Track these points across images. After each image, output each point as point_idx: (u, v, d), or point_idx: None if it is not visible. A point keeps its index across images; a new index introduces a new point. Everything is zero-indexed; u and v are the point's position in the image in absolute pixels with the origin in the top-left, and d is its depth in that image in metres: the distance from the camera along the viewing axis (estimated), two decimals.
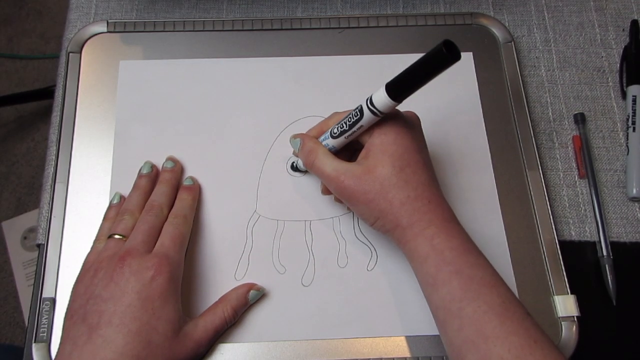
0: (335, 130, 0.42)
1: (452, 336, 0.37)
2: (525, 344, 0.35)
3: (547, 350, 0.35)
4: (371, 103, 0.39)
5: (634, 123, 0.53)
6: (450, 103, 0.46)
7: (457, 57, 0.34)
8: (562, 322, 0.45)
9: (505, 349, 0.35)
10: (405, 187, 0.40)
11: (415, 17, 0.56)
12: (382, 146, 0.40)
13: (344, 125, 0.41)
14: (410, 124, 0.42)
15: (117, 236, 0.43)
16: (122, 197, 0.48)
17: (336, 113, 0.45)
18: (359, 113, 0.40)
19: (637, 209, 0.51)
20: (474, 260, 0.38)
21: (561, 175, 0.52)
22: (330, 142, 0.43)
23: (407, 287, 0.46)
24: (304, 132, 0.51)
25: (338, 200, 0.47)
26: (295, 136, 0.46)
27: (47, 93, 1.27)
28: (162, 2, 0.58)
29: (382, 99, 0.38)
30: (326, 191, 0.47)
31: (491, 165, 0.50)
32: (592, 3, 0.60)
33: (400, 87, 0.38)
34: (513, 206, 0.49)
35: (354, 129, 0.41)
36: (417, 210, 0.39)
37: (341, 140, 0.42)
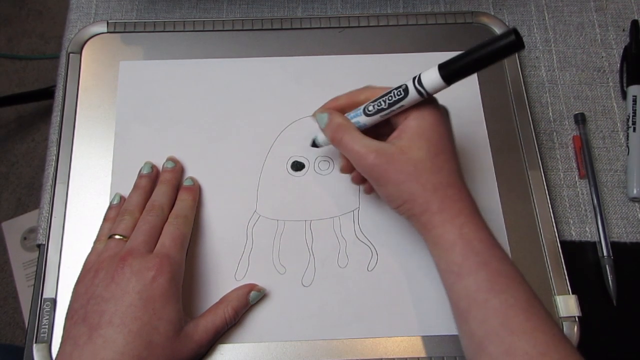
0: (371, 108, 0.41)
1: (475, 327, 0.37)
2: (549, 341, 0.35)
3: (570, 350, 0.35)
4: (419, 83, 0.38)
5: (634, 123, 0.53)
6: (451, 103, 0.46)
7: (523, 46, 0.35)
8: (563, 322, 0.45)
9: (531, 345, 0.35)
10: (439, 173, 0.39)
11: (415, 16, 0.56)
12: (419, 129, 0.40)
13: (383, 103, 0.40)
14: (445, 114, 0.42)
15: (117, 236, 0.43)
16: (122, 198, 0.48)
17: (369, 87, 0.43)
18: (402, 92, 0.39)
19: (638, 209, 0.51)
20: (501, 254, 0.38)
21: (561, 176, 0.52)
22: (362, 120, 0.42)
23: (407, 287, 0.46)
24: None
25: (358, 180, 0.46)
26: (322, 110, 0.44)
27: (47, 93, 1.27)
28: (162, 2, 0.58)
29: (433, 80, 0.38)
30: (346, 169, 0.45)
31: (492, 165, 0.50)
32: (592, 3, 0.60)
33: (455, 70, 0.37)
34: (514, 206, 0.49)
35: (394, 108, 0.40)
36: (449, 198, 0.39)
37: (375, 118, 0.41)
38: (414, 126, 0.40)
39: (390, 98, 0.40)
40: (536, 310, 0.36)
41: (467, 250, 0.38)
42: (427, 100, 0.40)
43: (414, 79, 0.39)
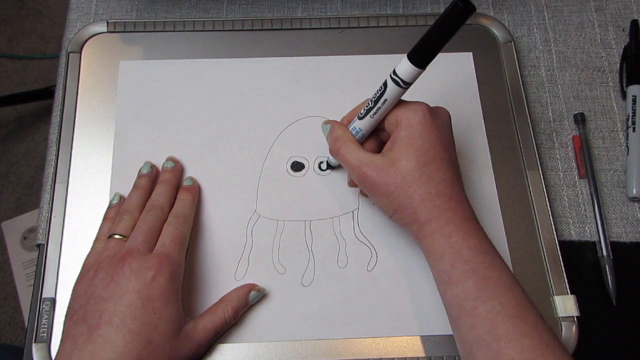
0: (362, 111, 0.42)
1: (464, 334, 0.37)
2: (537, 347, 0.35)
3: (559, 354, 0.35)
4: (394, 74, 0.39)
5: (633, 123, 0.53)
6: (450, 103, 0.46)
7: (473, 8, 0.35)
8: (562, 322, 0.45)
9: (517, 351, 0.35)
10: (427, 183, 0.40)
11: (415, 17, 0.56)
12: (408, 140, 0.40)
13: (370, 102, 0.41)
14: (439, 120, 0.42)
15: (117, 236, 0.43)
16: (122, 197, 0.48)
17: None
18: (382, 87, 0.40)
19: (637, 209, 0.51)
20: (491, 260, 0.39)
21: (561, 175, 0.52)
22: (358, 125, 0.43)
23: (406, 287, 0.46)
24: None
25: (364, 193, 0.46)
26: (327, 122, 0.46)
27: (47, 93, 1.27)
28: (162, 2, 0.58)
29: (405, 68, 0.38)
30: (353, 183, 0.47)
31: (491, 165, 0.50)
32: (592, 3, 0.60)
33: (422, 53, 0.38)
34: (513, 206, 0.49)
35: (379, 104, 0.41)
36: (437, 207, 0.39)
37: (367, 120, 0.42)
38: (403, 137, 0.41)
39: (374, 95, 0.41)
40: (525, 316, 0.36)
41: (455, 258, 0.38)
42: (419, 108, 0.41)
43: (390, 72, 0.40)
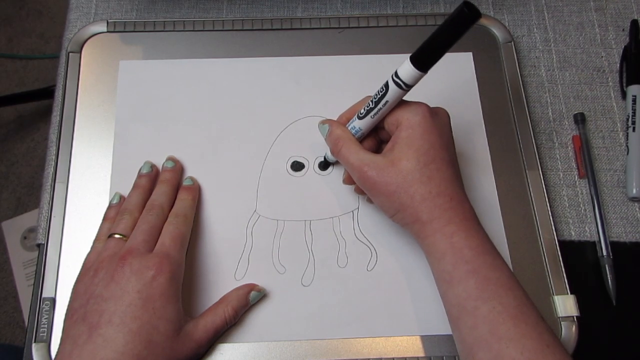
0: (362, 111, 0.42)
1: (465, 334, 0.37)
2: (538, 348, 0.35)
3: (560, 355, 0.35)
4: (396, 76, 0.39)
5: (633, 123, 0.53)
6: (450, 103, 0.46)
7: (479, 15, 0.35)
8: (562, 322, 0.45)
9: (518, 351, 0.35)
10: (428, 182, 0.40)
11: (415, 17, 0.56)
12: (409, 140, 0.40)
13: (370, 103, 0.42)
14: (439, 121, 0.42)
15: (117, 236, 0.43)
16: (121, 197, 0.48)
17: (368, 97, 0.44)
18: (384, 88, 0.40)
19: (637, 209, 0.51)
20: (492, 260, 0.39)
21: (561, 175, 0.52)
22: (357, 124, 0.43)
23: (406, 287, 0.46)
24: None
25: (359, 191, 0.47)
26: (323, 122, 0.46)
27: (47, 93, 1.27)
28: (162, 2, 0.58)
29: (407, 71, 0.39)
30: (349, 180, 0.46)
31: (491, 165, 0.50)
32: (592, 3, 0.60)
33: (425, 56, 0.38)
34: (513, 206, 0.49)
35: (380, 105, 0.41)
36: (438, 207, 0.39)
37: (367, 120, 0.42)
38: (404, 137, 0.41)
39: (375, 96, 0.41)
40: (526, 316, 0.36)
41: (457, 258, 0.38)
42: (419, 109, 0.41)
43: (392, 74, 0.40)
